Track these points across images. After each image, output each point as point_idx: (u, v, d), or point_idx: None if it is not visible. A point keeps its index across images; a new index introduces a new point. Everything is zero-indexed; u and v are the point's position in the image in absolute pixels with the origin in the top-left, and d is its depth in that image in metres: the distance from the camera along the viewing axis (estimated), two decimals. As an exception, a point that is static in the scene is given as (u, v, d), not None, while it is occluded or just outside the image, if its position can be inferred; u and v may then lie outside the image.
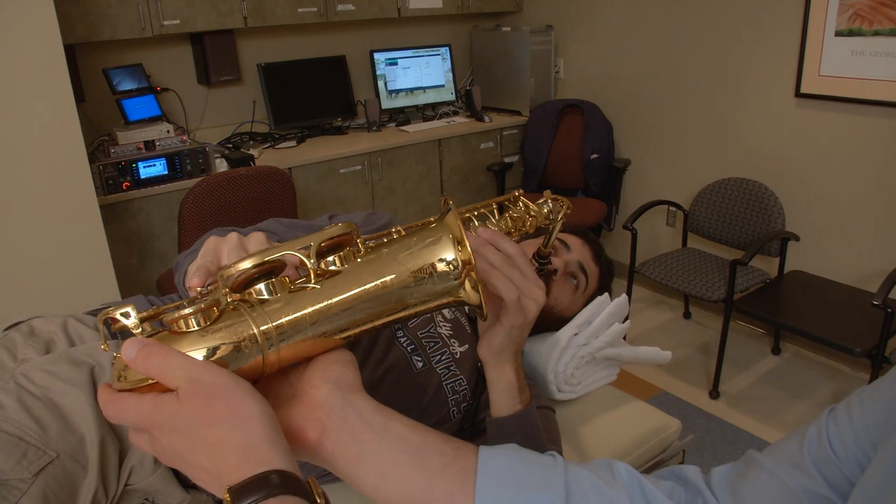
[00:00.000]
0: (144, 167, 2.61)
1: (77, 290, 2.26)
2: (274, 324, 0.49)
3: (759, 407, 2.66)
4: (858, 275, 2.73)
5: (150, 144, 2.66)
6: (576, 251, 1.18)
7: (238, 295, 0.52)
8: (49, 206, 2.15)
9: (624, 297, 1.21)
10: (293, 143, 3.23)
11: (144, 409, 0.44)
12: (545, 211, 0.89)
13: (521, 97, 3.71)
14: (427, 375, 1.04)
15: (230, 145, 3.15)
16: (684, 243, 3.19)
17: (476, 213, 0.82)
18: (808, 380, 2.84)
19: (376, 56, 3.56)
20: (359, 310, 0.53)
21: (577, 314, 1.20)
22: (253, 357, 0.48)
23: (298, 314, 0.50)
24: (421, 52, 3.70)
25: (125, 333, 0.47)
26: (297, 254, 0.51)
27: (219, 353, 0.47)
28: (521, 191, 0.88)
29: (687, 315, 3.37)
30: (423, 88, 3.72)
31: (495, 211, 0.84)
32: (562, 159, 3.60)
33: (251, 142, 3.22)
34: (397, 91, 3.64)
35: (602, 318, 1.17)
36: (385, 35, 3.70)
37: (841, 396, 2.71)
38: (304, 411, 0.50)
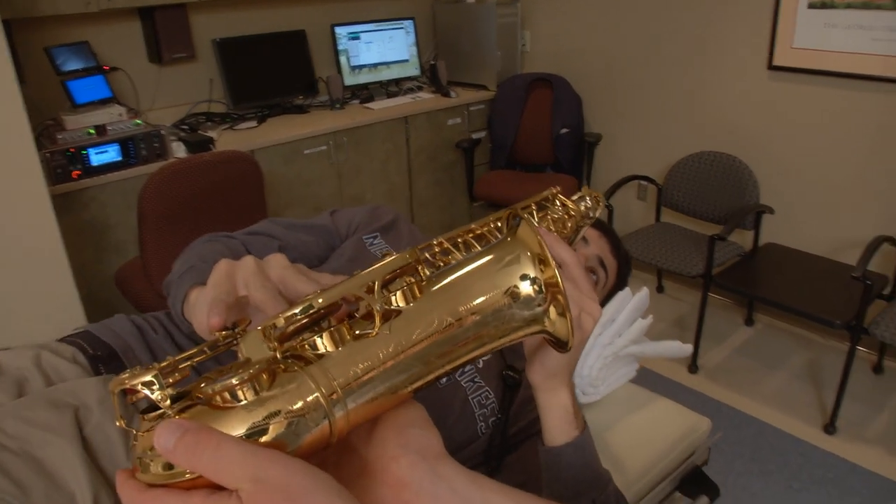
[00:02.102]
0: (96, 154, 2.42)
1: (30, 286, 2.09)
2: (339, 381, 0.39)
3: (736, 380, 2.67)
4: (831, 246, 2.76)
5: (100, 129, 2.47)
6: (594, 244, 1.10)
7: (285, 347, 0.42)
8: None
9: (645, 290, 1.15)
10: (253, 123, 3.06)
11: None
12: (583, 208, 0.81)
13: (488, 71, 3.60)
14: (452, 390, 0.95)
15: (186, 126, 2.96)
16: (657, 218, 3.17)
17: None
18: (783, 350, 2.88)
19: (338, 30, 3.39)
20: (434, 354, 0.43)
21: (598, 312, 1.13)
22: (318, 427, 0.38)
23: (366, 366, 0.41)
24: (384, 25, 3.54)
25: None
26: (358, 294, 0.42)
27: (275, 430, 0.36)
28: (557, 188, 0.80)
29: (660, 289, 3.36)
30: (387, 63, 3.57)
31: (534, 212, 0.76)
32: (531, 134, 3.52)
33: (209, 123, 3.04)
34: (360, 67, 3.48)
35: (625, 315, 1.11)
36: (346, 8, 3.52)
37: (815, 365, 2.76)
38: (386, 492, 0.41)
